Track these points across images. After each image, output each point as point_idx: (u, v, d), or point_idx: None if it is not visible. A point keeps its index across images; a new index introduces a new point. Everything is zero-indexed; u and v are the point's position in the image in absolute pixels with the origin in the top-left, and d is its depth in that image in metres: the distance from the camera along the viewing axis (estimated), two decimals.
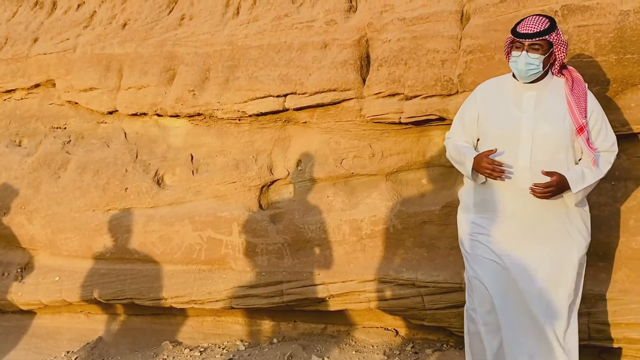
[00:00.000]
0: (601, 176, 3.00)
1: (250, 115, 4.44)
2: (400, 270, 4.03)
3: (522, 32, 2.93)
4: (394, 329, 4.47)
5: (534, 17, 2.96)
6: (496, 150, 2.98)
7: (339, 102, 4.16)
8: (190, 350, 4.52)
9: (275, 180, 4.47)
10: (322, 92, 4.16)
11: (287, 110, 4.34)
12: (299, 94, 4.24)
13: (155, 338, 4.79)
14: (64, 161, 5.09)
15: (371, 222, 4.12)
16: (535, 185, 2.90)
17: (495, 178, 2.99)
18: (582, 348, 3.76)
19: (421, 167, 4.16)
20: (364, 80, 4.11)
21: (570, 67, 3.11)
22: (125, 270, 4.67)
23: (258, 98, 4.36)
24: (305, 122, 4.38)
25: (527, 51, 2.93)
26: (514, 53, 2.98)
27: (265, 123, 4.51)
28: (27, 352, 4.98)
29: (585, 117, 2.95)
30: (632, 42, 3.38)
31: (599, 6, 3.49)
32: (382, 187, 4.19)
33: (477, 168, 3.05)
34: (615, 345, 3.69)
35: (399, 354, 4.20)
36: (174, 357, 4.42)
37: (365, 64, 4.16)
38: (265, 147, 4.52)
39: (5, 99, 5.85)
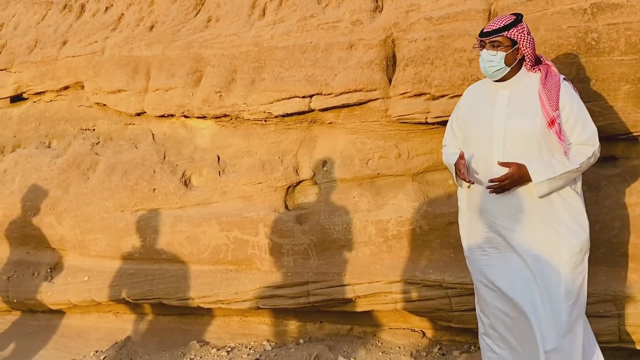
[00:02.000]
0: (574, 168, 2.91)
1: (276, 116, 4.45)
2: (427, 271, 4.00)
3: (484, 31, 3.00)
4: (421, 331, 4.45)
5: (500, 16, 3.05)
6: (462, 152, 3.07)
7: (365, 103, 4.15)
8: (218, 350, 4.54)
9: (301, 181, 4.47)
10: (347, 93, 4.15)
11: (312, 110, 4.34)
12: (324, 94, 4.24)
13: (183, 338, 4.82)
14: (92, 162, 5.16)
15: (397, 223, 4.11)
16: (490, 181, 2.92)
17: (466, 182, 3.07)
18: (612, 351, 3.74)
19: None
20: (390, 80, 4.10)
21: (547, 62, 3.10)
22: (153, 270, 4.71)
23: (284, 99, 4.38)
24: (330, 123, 4.38)
25: (487, 49, 2.98)
26: (480, 52, 3.04)
27: (291, 124, 4.52)
28: (56, 351, 5.04)
29: (557, 109, 2.91)
30: None
31: (629, 4, 3.44)
32: (408, 187, 4.18)
33: (457, 173, 3.12)
34: None
35: (426, 355, 4.18)
36: (201, 357, 4.44)
37: (391, 63, 4.14)
38: (291, 148, 4.53)
39: (35, 101, 5.96)
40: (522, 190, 2.97)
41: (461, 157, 3.07)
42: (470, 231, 3.25)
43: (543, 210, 2.98)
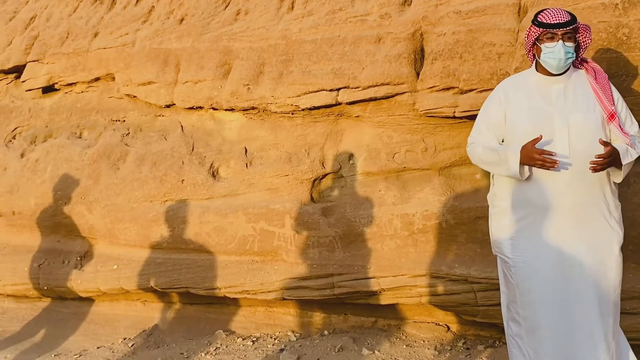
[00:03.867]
0: (638, 154, 3.01)
1: (303, 109, 4.48)
2: (453, 265, 4.01)
3: (554, 22, 2.92)
4: (445, 325, 4.46)
5: (554, 9, 2.98)
6: (541, 136, 2.90)
7: (392, 96, 4.15)
8: (243, 339, 4.60)
9: (327, 174, 4.50)
10: (375, 86, 4.16)
11: (339, 104, 4.36)
12: (352, 88, 4.26)
13: (209, 327, 4.89)
14: (122, 153, 5.24)
15: (423, 217, 4.11)
16: (597, 156, 2.82)
17: (547, 168, 2.89)
18: (638, 348, 3.71)
19: None
20: (417, 74, 4.09)
21: (588, 59, 3.11)
22: (180, 259, 4.78)
23: (311, 92, 4.40)
24: (357, 116, 4.40)
25: (564, 41, 2.92)
26: (549, 44, 2.94)
27: (318, 117, 4.54)
28: (85, 337, 5.14)
29: (613, 104, 2.96)
30: None
31: None
32: (434, 181, 4.18)
33: (525, 161, 2.94)
34: None
35: (450, 349, 4.18)
36: (227, 346, 4.50)
37: (419, 57, 4.14)
38: (317, 141, 4.56)
39: (66, 92, 6.06)
40: (582, 180, 2.93)
41: (534, 142, 2.89)
42: (515, 232, 3.09)
43: (599, 203, 2.98)
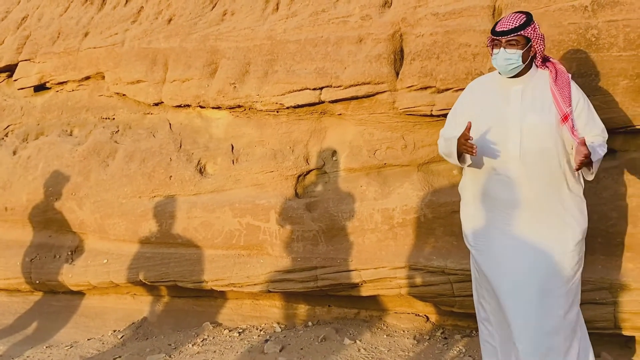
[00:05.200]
0: (604, 153, 3.10)
1: (287, 107, 4.61)
2: (431, 258, 4.15)
3: (498, 30, 3.06)
4: (425, 315, 4.61)
5: (511, 14, 3.09)
6: (470, 123, 3.05)
7: (373, 95, 4.29)
8: (230, 331, 4.74)
9: (311, 170, 4.63)
10: (356, 85, 4.29)
11: (323, 102, 4.49)
12: (334, 87, 4.39)
13: (197, 319, 5.03)
14: (112, 150, 5.36)
15: (403, 211, 4.25)
16: (584, 156, 2.92)
17: (471, 154, 3.04)
18: (608, 337, 3.87)
19: None
20: (397, 74, 4.23)
21: (553, 60, 3.20)
22: (169, 254, 4.91)
23: (295, 91, 4.53)
24: (340, 114, 4.53)
25: (505, 47, 3.06)
26: (494, 51, 3.11)
27: (302, 115, 4.68)
28: (76, 330, 5.26)
29: (570, 106, 3.04)
30: None
31: (628, 1, 3.55)
32: (413, 177, 4.32)
33: (459, 148, 3.12)
34: None
35: (429, 339, 4.33)
36: (214, 337, 4.64)
37: (398, 57, 4.28)
38: (301, 138, 4.69)
39: (57, 91, 6.17)
40: (534, 177, 3.08)
41: (468, 128, 3.05)
42: (476, 221, 3.32)
43: (553, 200, 3.10)
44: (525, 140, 3.07)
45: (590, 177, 3.12)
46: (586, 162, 2.95)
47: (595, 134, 3.13)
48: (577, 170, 3.02)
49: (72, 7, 6.35)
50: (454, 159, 3.24)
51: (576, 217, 3.12)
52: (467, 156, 3.16)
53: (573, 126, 3.04)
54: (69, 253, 5.42)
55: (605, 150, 3.13)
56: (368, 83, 4.26)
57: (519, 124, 3.08)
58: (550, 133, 3.05)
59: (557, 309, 3.09)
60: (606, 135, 3.17)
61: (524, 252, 3.12)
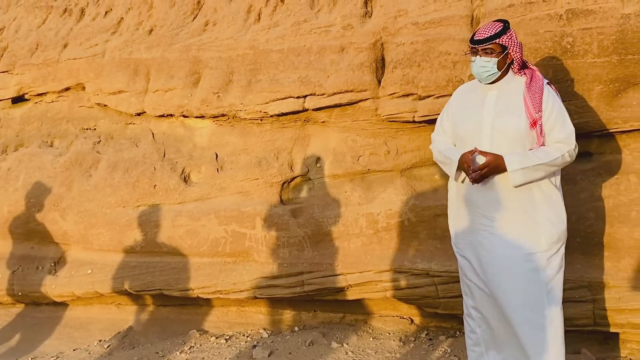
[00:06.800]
0: (548, 161, 3.09)
1: (271, 116, 4.67)
2: (415, 260, 4.24)
3: (475, 38, 3.18)
4: (409, 318, 4.69)
5: (489, 23, 3.20)
6: (476, 148, 3.18)
7: (356, 103, 4.38)
8: (216, 338, 4.76)
9: (296, 177, 4.70)
10: (339, 93, 4.38)
11: (306, 110, 4.57)
12: (317, 95, 4.47)
13: (183, 327, 5.04)
14: (94, 160, 5.36)
15: (387, 216, 4.34)
16: (472, 170, 3.12)
17: (471, 180, 3.20)
18: (588, 334, 3.99)
19: (434, 163, 4.29)
20: (379, 82, 4.33)
21: (532, 67, 3.29)
22: (154, 262, 4.92)
23: (279, 99, 4.60)
24: (323, 122, 4.61)
25: (481, 55, 3.17)
26: (472, 58, 3.23)
27: (286, 123, 4.75)
28: (60, 341, 5.22)
29: (539, 111, 3.12)
30: (633, 44, 3.57)
31: (601, 10, 3.67)
32: (397, 182, 4.41)
33: (461, 167, 3.27)
34: (619, 331, 3.88)
35: (414, 340, 4.42)
36: (201, 345, 4.66)
37: (380, 66, 4.38)
38: (286, 146, 4.76)
39: (36, 102, 6.14)
40: (504, 181, 3.17)
41: (470, 153, 3.19)
42: (458, 221, 3.44)
43: (523, 201, 3.18)
44: (495, 143, 3.17)
45: (514, 183, 3.12)
46: (493, 172, 3.12)
47: (557, 140, 3.16)
48: (474, 183, 3.18)
49: (50, 19, 6.34)
50: (450, 172, 3.40)
51: (550, 218, 3.19)
52: (463, 174, 3.30)
53: (541, 132, 3.13)
54: (52, 264, 5.40)
55: (556, 156, 3.12)
56: (351, 91, 4.34)
57: (490, 127, 3.20)
58: (520, 137, 3.15)
59: (540, 308, 3.18)
60: (571, 143, 3.17)
61: (500, 254, 3.22)
